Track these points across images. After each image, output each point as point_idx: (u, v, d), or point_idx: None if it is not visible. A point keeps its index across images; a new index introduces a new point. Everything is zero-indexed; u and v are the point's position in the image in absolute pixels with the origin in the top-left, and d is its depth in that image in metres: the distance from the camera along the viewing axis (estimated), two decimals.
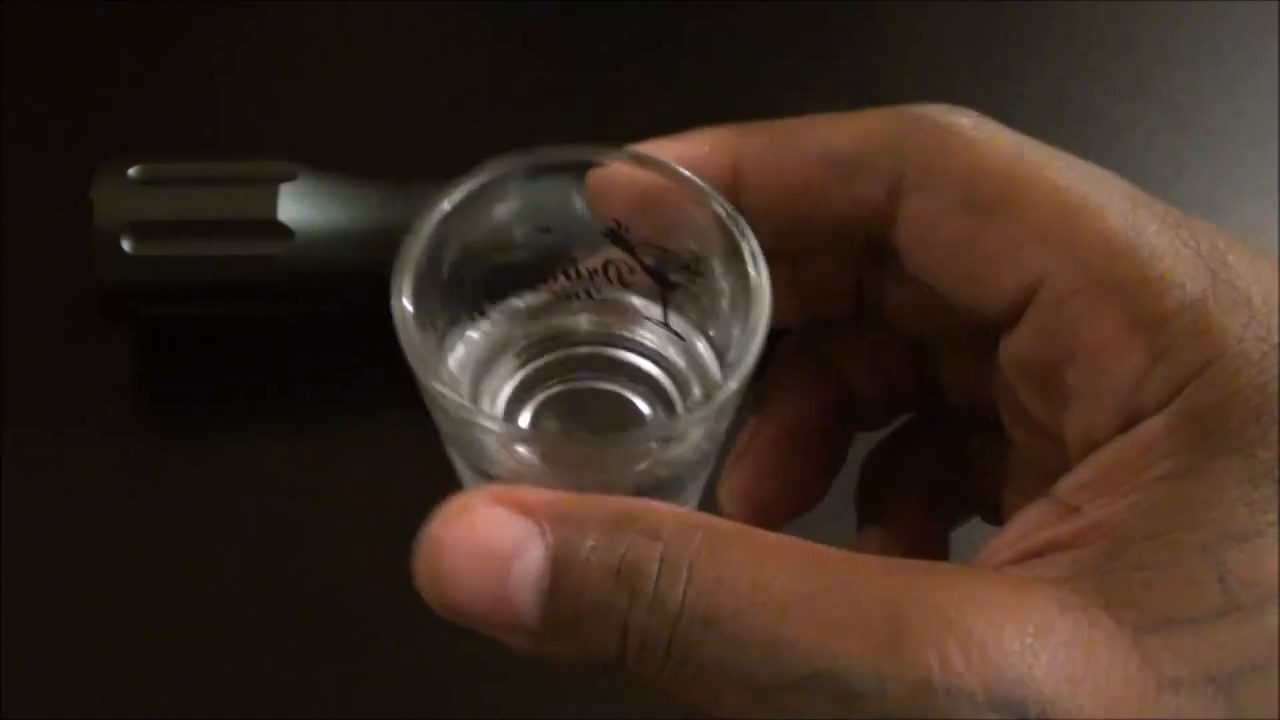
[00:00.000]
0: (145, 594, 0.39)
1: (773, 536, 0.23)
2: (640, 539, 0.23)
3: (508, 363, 0.29)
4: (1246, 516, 0.22)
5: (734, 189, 0.28)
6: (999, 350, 0.27)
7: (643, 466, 0.26)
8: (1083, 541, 0.23)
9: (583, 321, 0.30)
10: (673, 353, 0.29)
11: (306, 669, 0.38)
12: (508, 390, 0.29)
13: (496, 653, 0.38)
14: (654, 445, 0.26)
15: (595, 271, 0.29)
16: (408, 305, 0.27)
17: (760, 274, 0.26)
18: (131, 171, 0.41)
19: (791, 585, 0.22)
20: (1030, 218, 0.25)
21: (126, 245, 0.40)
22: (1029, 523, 0.24)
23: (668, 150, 0.28)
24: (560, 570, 0.23)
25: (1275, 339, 0.23)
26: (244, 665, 0.38)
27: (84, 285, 0.40)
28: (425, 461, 0.42)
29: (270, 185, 0.40)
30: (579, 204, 0.28)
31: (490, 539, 0.23)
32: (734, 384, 0.26)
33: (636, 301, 0.29)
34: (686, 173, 0.27)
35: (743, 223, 0.27)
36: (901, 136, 0.27)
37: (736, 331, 0.26)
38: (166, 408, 0.43)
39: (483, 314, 0.29)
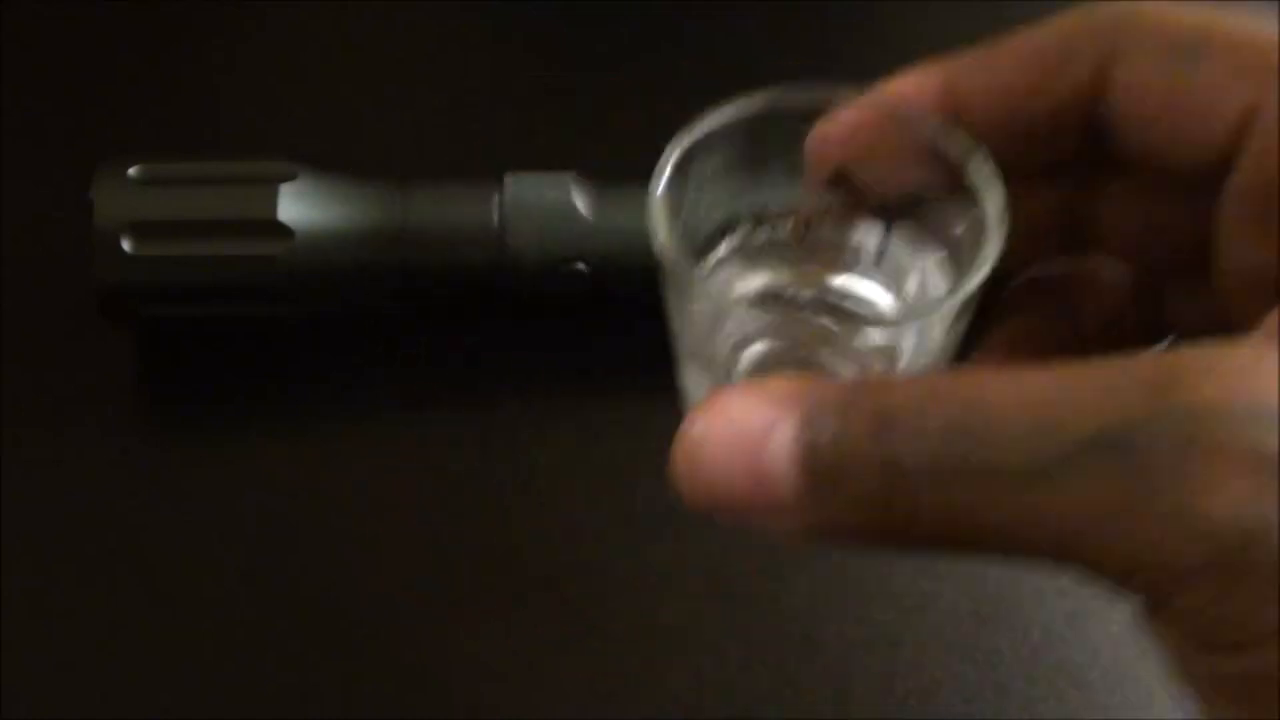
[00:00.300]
0: (145, 594, 0.39)
1: (1021, 367, 0.24)
2: (887, 385, 0.23)
3: (728, 308, 0.28)
4: None
5: (952, 113, 0.28)
6: (1218, 209, 0.27)
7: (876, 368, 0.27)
8: None
9: (802, 266, 0.30)
10: (891, 294, 0.30)
11: (306, 669, 0.38)
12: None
13: (496, 653, 0.38)
14: (893, 331, 0.27)
15: (817, 215, 0.29)
16: (662, 211, 0.27)
17: (992, 177, 0.27)
18: (131, 171, 0.41)
19: (1055, 381, 0.23)
20: (1233, 58, 0.26)
21: (126, 245, 0.40)
22: (1263, 330, 0.25)
23: (883, 93, 0.29)
24: (812, 433, 0.23)
25: None
26: (244, 665, 0.38)
27: (84, 285, 0.40)
28: (425, 461, 0.42)
29: (270, 185, 0.40)
30: (804, 147, 0.29)
31: (743, 422, 0.23)
32: (969, 286, 0.26)
33: (857, 244, 0.30)
34: (906, 107, 0.28)
35: (968, 141, 0.27)
36: (1100, 21, 0.28)
37: (967, 252, 0.27)
38: (166, 408, 0.43)
39: (705, 257, 0.29)
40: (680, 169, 0.28)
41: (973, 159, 0.27)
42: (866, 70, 0.51)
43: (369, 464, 0.42)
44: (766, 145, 0.29)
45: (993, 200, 0.27)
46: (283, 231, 0.40)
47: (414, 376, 0.43)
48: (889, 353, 0.27)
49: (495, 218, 0.41)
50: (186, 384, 0.43)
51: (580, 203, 0.41)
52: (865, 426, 0.23)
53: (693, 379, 0.29)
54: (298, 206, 0.40)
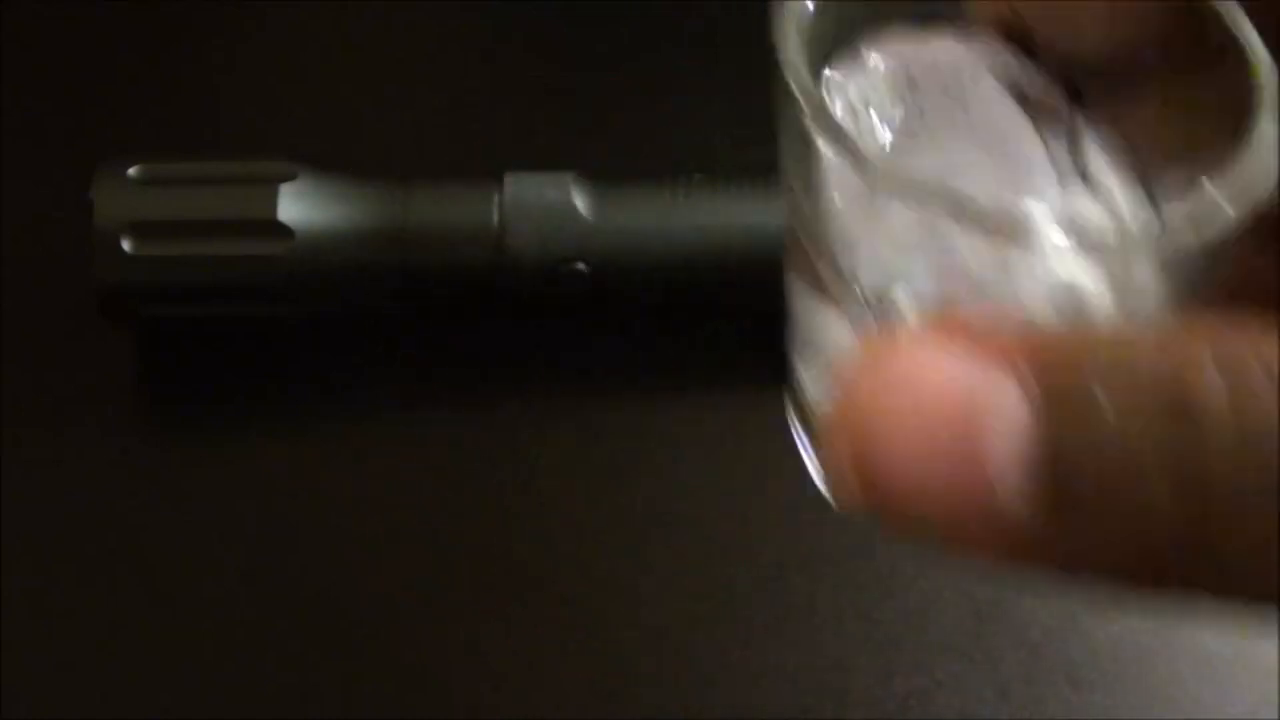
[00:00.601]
0: (145, 594, 0.39)
1: None
2: (1183, 350, 0.16)
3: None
4: None
5: None
6: None
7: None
8: None
9: (957, 146, 0.21)
10: (1083, 205, 0.21)
11: (306, 669, 0.38)
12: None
13: (496, 653, 0.38)
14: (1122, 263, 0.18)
15: (976, 80, 0.21)
16: (793, 31, 0.19)
17: (1261, 55, 0.18)
18: (131, 171, 0.41)
19: None
20: None
21: (126, 245, 0.40)
22: None
23: None
24: (1062, 413, 0.15)
25: None
26: (244, 665, 0.38)
27: (84, 285, 0.40)
28: (425, 461, 0.42)
29: (270, 185, 0.40)
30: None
31: (942, 387, 0.16)
32: (1233, 211, 0.17)
33: (1031, 123, 0.21)
34: None
35: None
36: None
37: (1193, 159, 0.19)
38: (166, 408, 0.43)
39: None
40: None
41: (1231, 21, 0.19)
42: None
43: (369, 464, 0.42)
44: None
45: (1263, 69, 0.18)
46: (283, 231, 0.40)
47: (414, 376, 0.43)
48: (1087, 295, 0.19)
49: (495, 217, 0.41)
50: (186, 384, 0.43)
51: (580, 203, 0.41)
52: (1154, 408, 0.15)
53: (823, 320, 0.20)
54: (298, 206, 0.40)
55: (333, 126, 0.48)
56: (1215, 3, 0.19)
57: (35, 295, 0.44)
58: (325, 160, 0.42)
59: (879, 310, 0.19)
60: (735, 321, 0.44)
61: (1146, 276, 0.18)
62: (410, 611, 0.39)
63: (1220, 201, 0.17)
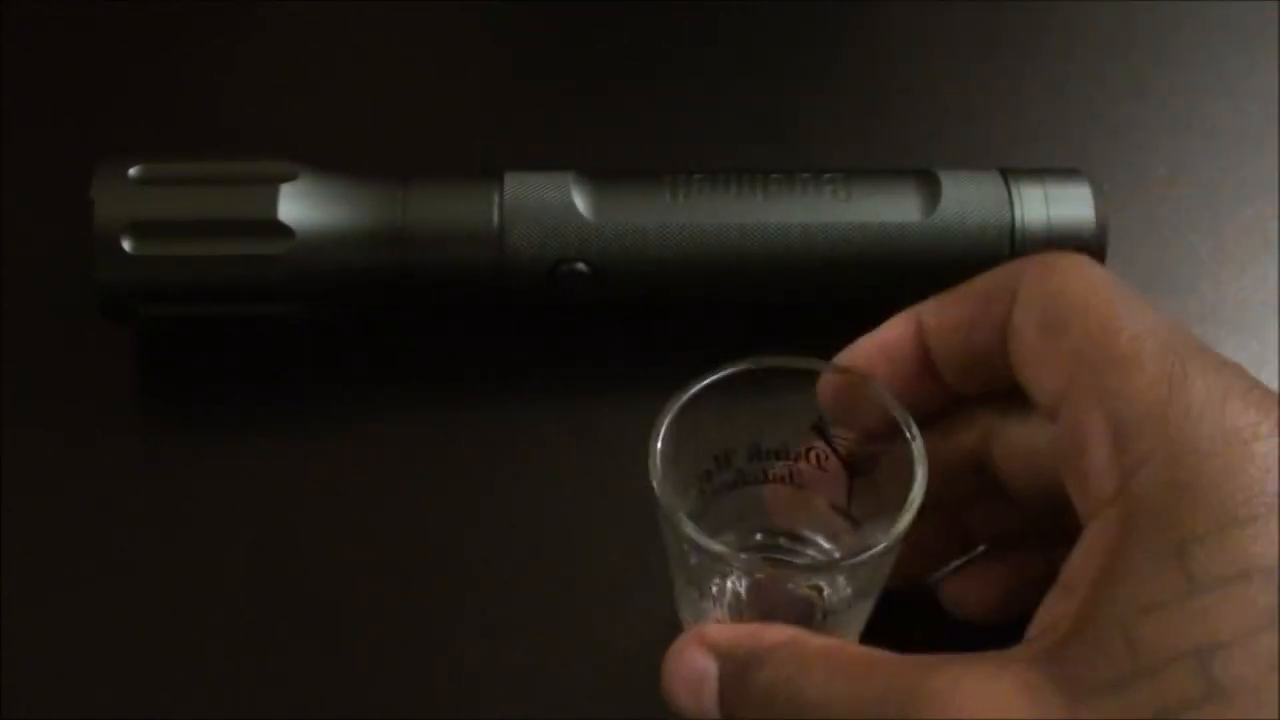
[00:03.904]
0: (145, 594, 0.39)
1: (845, 651, 0.32)
2: (755, 667, 0.32)
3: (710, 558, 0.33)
4: (1155, 590, 0.28)
5: (924, 350, 0.34)
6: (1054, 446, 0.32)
7: (817, 599, 0.34)
8: (1068, 616, 0.29)
9: (779, 504, 0.37)
10: (848, 540, 0.36)
11: (306, 669, 0.38)
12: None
13: (496, 653, 0.38)
14: (819, 580, 0.34)
15: (799, 456, 0.36)
16: (659, 461, 0.33)
17: (918, 449, 0.33)
18: (131, 171, 0.41)
19: (843, 689, 0.31)
20: (1074, 337, 0.31)
21: (126, 245, 0.40)
22: (1048, 601, 0.31)
23: (872, 341, 0.35)
24: (722, 690, 0.33)
25: (1209, 444, 0.29)
26: (244, 665, 0.38)
27: (84, 285, 0.40)
28: (424, 461, 0.42)
29: (270, 185, 0.40)
30: (788, 402, 0.35)
31: (690, 670, 0.33)
32: (885, 542, 0.32)
33: (825, 490, 0.36)
34: (870, 378, 0.34)
35: (905, 412, 0.33)
36: (1021, 270, 0.33)
37: (898, 509, 0.32)
38: (166, 408, 0.43)
39: (700, 494, 0.35)
40: (676, 422, 0.33)
41: (906, 428, 0.33)
42: (865, 70, 0.51)
43: (369, 464, 0.42)
44: (753, 398, 0.34)
45: (917, 474, 0.32)
46: (283, 231, 0.40)
47: (414, 376, 0.43)
48: (831, 583, 0.34)
49: (495, 217, 0.41)
50: (186, 384, 0.43)
51: (580, 202, 0.41)
52: (743, 699, 0.32)
53: (680, 589, 0.36)
54: (298, 206, 0.40)
55: (333, 126, 0.48)
56: (904, 425, 0.33)
57: (35, 295, 0.44)
58: (325, 160, 0.42)
59: (708, 594, 0.34)
60: (735, 321, 0.44)
61: (844, 583, 0.34)
62: (410, 611, 0.39)
63: (880, 539, 0.32)
